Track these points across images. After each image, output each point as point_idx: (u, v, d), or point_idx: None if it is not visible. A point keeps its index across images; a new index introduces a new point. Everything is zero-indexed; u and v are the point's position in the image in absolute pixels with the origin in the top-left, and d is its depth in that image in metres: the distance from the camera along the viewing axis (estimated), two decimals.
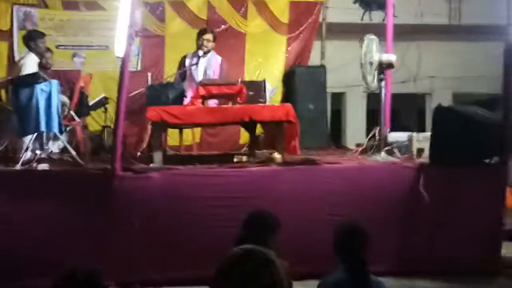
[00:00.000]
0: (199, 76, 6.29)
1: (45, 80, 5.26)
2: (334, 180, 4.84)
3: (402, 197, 4.80)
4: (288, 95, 7.95)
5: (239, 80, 5.80)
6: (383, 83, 5.40)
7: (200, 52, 6.25)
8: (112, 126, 6.77)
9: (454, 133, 4.64)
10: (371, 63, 5.31)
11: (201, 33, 6.47)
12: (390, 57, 5.43)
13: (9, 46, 7.61)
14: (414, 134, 5.48)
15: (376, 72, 5.28)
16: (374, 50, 5.30)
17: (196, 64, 6.27)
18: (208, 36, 6.37)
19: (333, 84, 8.53)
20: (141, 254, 4.71)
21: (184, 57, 6.53)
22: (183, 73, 6.37)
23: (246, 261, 1.68)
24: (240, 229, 2.97)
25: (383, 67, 5.34)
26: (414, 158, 5.19)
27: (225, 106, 5.60)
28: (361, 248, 2.77)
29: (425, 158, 5.08)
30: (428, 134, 5.17)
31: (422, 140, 5.23)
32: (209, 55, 6.35)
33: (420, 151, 5.15)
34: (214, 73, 6.36)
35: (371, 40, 5.34)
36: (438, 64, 9.19)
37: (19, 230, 4.67)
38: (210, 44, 6.34)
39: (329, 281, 2.79)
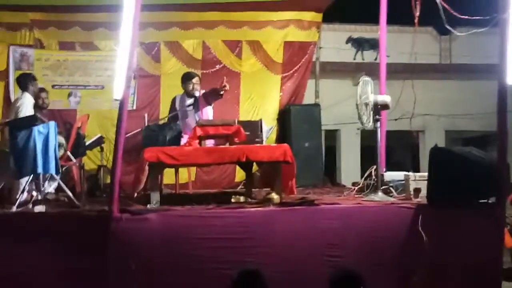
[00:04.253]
0: (190, 117, 6.43)
1: (42, 122, 5.27)
2: (332, 221, 4.83)
3: (399, 237, 4.79)
4: (283, 134, 8.01)
5: (236, 120, 5.84)
6: (378, 123, 5.45)
7: (192, 100, 6.44)
8: (108, 165, 6.78)
9: (450, 174, 4.66)
10: (366, 104, 5.36)
11: (189, 77, 6.60)
12: (386, 98, 5.49)
13: (5, 87, 7.65)
14: (411, 173, 5.51)
15: (371, 112, 5.33)
16: (369, 92, 5.36)
17: (192, 105, 6.39)
18: (197, 79, 6.62)
19: (327, 121, 8.61)
20: None
21: (174, 99, 6.65)
22: (175, 116, 6.46)
23: None
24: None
25: (379, 108, 5.39)
26: (411, 198, 5.20)
27: (222, 146, 5.62)
28: None
29: (422, 198, 5.09)
30: (424, 173, 5.18)
31: (418, 179, 5.24)
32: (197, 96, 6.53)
33: (417, 190, 5.15)
34: (202, 114, 6.45)
35: (366, 81, 5.41)
36: (431, 102, 9.32)
37: (14, 273, 4.60)
38: (199, 87, 6.56)
39: None
